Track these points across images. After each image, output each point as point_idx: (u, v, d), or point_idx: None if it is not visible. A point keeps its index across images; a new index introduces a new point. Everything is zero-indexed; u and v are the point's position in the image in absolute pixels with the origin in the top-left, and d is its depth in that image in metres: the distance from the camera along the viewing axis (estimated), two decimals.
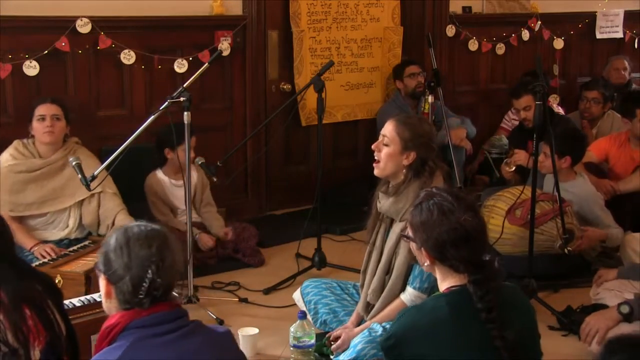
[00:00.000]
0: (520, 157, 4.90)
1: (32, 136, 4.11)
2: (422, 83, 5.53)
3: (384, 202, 3.10)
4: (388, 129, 3.07)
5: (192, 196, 4.59)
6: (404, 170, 3.05)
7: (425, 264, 2.24)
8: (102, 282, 1.98)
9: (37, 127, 4.05)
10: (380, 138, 3.10)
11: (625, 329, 3.28)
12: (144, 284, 1.90)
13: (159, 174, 4.58)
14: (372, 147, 3.12)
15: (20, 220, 4.06)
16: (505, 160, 5.06)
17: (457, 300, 2.12)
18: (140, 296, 1.91)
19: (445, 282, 2.21)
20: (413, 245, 2.27)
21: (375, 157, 3.10)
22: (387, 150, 3.05)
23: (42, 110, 4.05)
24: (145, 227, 1.98)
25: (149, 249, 1.93)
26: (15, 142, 4.11)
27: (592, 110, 5.71)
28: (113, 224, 4.12)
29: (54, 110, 4.07)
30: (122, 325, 1.90)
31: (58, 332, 1.99)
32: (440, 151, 3.35)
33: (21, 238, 3.98)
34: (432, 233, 2.16)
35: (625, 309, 3.29)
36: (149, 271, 1.91)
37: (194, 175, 4.51)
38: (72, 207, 4.14)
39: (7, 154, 4.07)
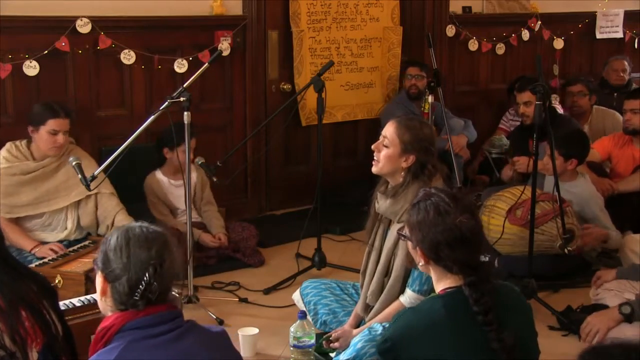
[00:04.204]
0: (521, 165, 4.90)
1: (27, 139, 4.07)
2: (416, 86, 5.56)
3: (381, 203, 3.10)
4: (389, 131, 3.06)
5: (192, 196, 4.61)
6: (403, 173, 3.04)
7: (420, 264, 2.25)
8: (99, 279, 1.99)
9: (46, 139, 3.98)
10: (381, 139, 3.08)
11: (626, 329, 3.28)
12: (140, 286, 1.90)
13: (158, 174, 4.58)
14: (372, 147, 3.11)
15: (17, 222, 4.05)
16: (509, 163, 5.09)
17: (453, 302, 2.12)
18: (135, 298, 1.91)
19: (440, 283, 2.21)
20: (409, 244, 2.27)
21: (375, 157, 3.10)
22: (387, 152, 3.04)
23: (55, 125, 3.97)
24: (146, 229, 1.98)
25: (149, 251, 1.93)
26: (8, 145, 4.07)
27: (580, 104, 5.75)
28: (112, 224, 4.12)
29: (66, 126, 4.01)
30: (117, 326, 1.90)
31: (55, 332, 1.98)
32: (440, 155, 3.34)
33: (20, 240, 3.99)
34: (428, 233, 2.16)
35: (626, 310, 3.29)
36: (147, 274, 1.91)
37: (194, 174, 4.51)
38: (69, 209, 4.13)
39: None
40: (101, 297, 1.99)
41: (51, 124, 3.98)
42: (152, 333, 1.90)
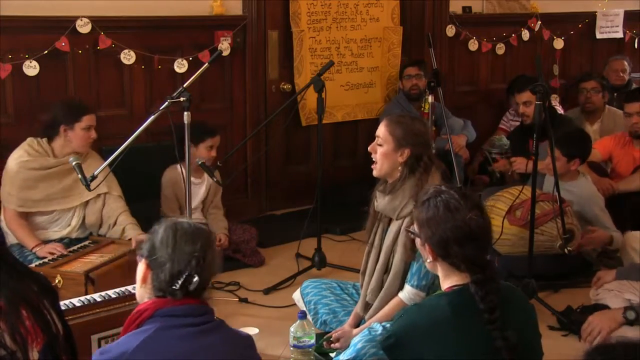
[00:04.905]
0: (519, 165, 4.90)
1: (48, 136, 4.08)
2: (417, 86, 5.56)
3: (380, 201, 3.12)
4: (381, 130, 3.11)
5: (204, 196, 4.62)
6: (400, 168, 3.07)
7: (428, 261, 2.25)
8: (141, 267, 2.09)
9: (82, 135, 4.05)
10: (375, 140, 3.13)
11: (628, 331, 3.27)
12: (181, 277, 1.99)
13: (180, 167, 4.57)
14: (369, 149, 3.16)
15: (27, 216, 4.07)
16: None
17: (459, 300, 2.12)
18: (175, 287, 1.99)
19: (447, 281, 2.21)
20: (418, 241, 2.28)
21: (373, 159, 3.13)
22: (382, 150, 3.08)
23: (90, 120, 4.07)
24: (193, 225, 2.10)
25: (194, 245, 2.03)
26: (29, 140, 4.10)
27: (593, 100, 5.72)
28: (115, 223, 4.14)
29: (95, 121, 4.13)
30: (150, 311, 2.00)
31: (55, 332, 1.99)
32: (440, 155, 3.36)
33: (24, 237, 4.00)
34: (437, 229, 2.17)
35: (631, 315, 3.26)
36: (189, 266, 2.00)
37: None
38: (77, 207, 4.15)
39: (21, 150, 4.06)
40: (141, 284, 2.08)
41: (86, 120, 4.06)
42: (181, 323, 1.98)
